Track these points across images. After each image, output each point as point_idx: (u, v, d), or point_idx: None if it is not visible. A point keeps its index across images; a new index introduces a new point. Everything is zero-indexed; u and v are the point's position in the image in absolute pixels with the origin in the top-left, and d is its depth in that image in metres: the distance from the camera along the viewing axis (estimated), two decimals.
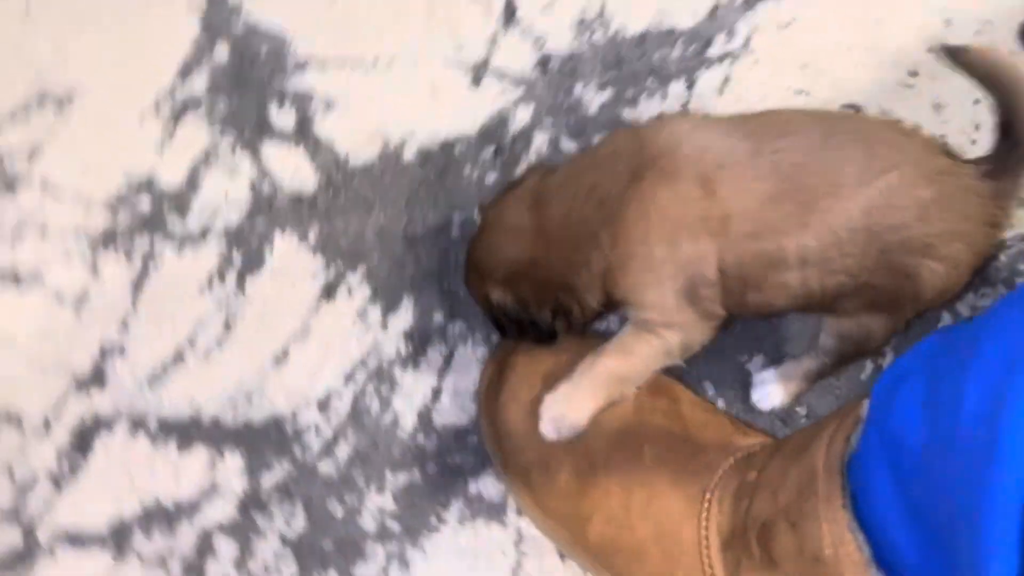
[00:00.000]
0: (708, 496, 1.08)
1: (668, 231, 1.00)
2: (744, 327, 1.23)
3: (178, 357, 1.28)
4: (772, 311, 1.05)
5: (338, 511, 1.28)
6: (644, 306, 1.05)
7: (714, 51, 1.29)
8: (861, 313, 1.03)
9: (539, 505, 1.18)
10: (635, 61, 1.35)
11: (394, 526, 1.29)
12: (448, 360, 1.31)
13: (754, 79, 1.28)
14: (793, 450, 1.02)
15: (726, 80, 1.29)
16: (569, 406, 1.09)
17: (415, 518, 1.28)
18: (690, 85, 1.29)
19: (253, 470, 1.27)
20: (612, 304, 1.07)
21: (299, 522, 1.28)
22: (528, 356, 1.19)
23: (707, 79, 1.29)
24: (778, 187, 0.96)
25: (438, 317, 1.31)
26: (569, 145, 1.30)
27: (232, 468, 1.28)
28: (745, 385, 1.25)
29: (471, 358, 1.30)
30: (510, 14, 1.28)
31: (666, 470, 1.11)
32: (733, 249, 0.99)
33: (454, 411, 1.29)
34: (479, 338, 1.30)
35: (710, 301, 1.02)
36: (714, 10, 1.34)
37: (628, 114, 1.27)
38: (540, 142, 1.30)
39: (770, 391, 1.21)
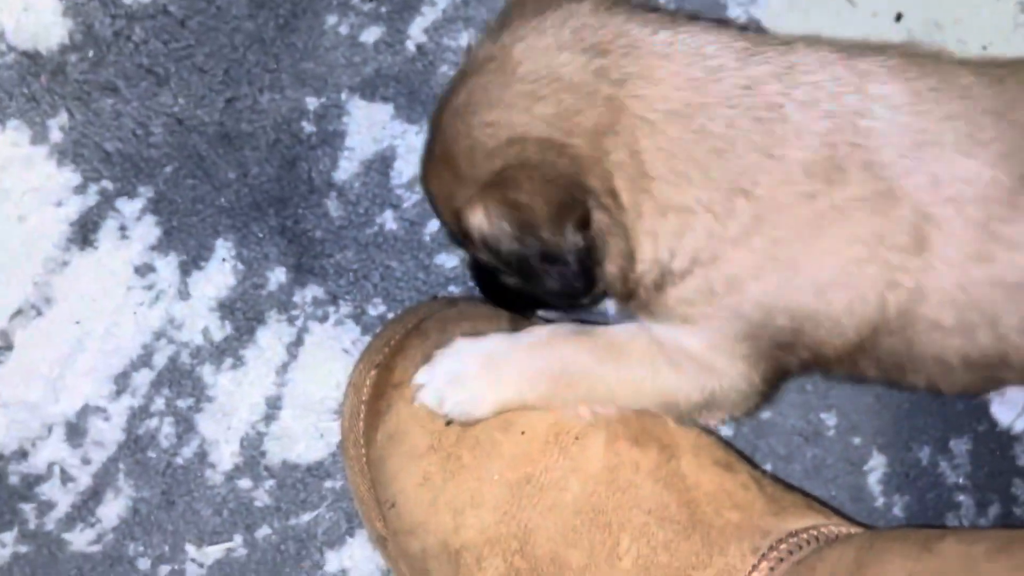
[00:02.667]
0: None
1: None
2: None
3: None
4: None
5: None
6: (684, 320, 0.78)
7: None
8: None
9: None
10: None
11: None
12: (293, 349, 0.94)
13: None
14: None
15: None
16: (481, 372, 0.79)
17: None
18: None
19: None
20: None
21: None
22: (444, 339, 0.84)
23: None
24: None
25: (277, 274, 0.94)
26: None
27: None
28: None
29: (332, 345, 0.94)
30: None
31: None
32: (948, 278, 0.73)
33: (301, 436, 0.93)
34: (347, 311, 0.95)
35: (788, 357, 0.77)
36: None
37: None
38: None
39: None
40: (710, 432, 0.86)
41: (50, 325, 0.91)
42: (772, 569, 0.76)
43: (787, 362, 0.77)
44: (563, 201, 0.72)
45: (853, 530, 0.80)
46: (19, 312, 0.90)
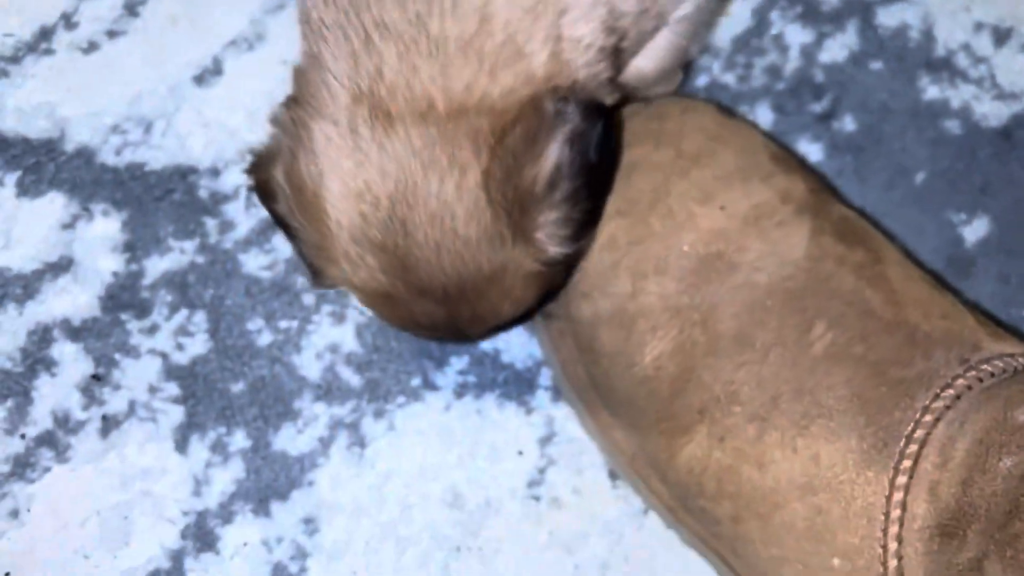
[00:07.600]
0: (919, 431, 0.67)
1: None
2: None
3: (42, 37, 0.93)
4: None
5: (262, 338, 0.89)
6: None
7: None
8: None
9: (600, 399, 0.81)
10: None
11: (353, 380, 0.89)
12: None
13: None
14: None
15: None
16: None
17: (386, 370, 0.89)
18: None
19: (135, 247, 0.90)
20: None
21: (197, 343, 0.89)
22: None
23: None
24: None
25: None
26: None
27: (99, 237, 0.90)
28: None
29: None
30: None
31: (847, 369, 0.70)
32: None
33: None
34: None
35: None
36: None
37: None
38: None
39: None
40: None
41: (258, 61, 0.91)
42: (980, 380, 0.68)
43: None
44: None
45: None
46: (233, 43, 0.91)
